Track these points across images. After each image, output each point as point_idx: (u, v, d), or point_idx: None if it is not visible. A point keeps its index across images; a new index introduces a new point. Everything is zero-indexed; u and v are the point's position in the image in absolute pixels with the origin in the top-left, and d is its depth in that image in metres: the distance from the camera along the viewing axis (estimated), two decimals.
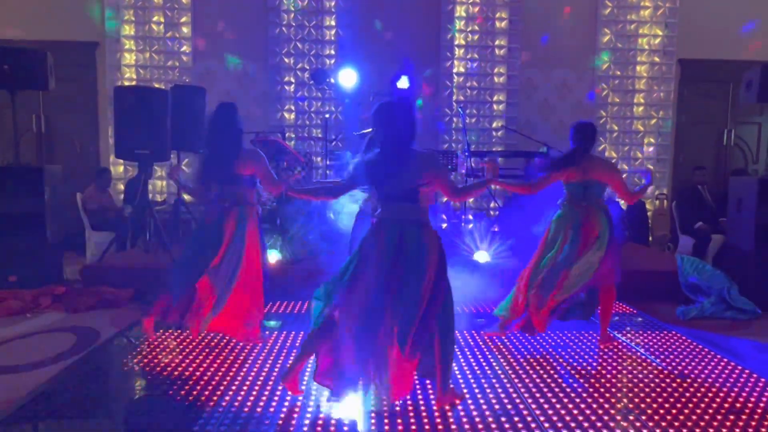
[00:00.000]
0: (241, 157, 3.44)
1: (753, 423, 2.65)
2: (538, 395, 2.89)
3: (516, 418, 2.62)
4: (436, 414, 2.64)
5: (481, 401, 2.79)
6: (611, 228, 3.54)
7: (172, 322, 3.49)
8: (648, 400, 2.87)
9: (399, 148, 2.65)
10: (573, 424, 2.56)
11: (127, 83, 7.32)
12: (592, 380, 3.11)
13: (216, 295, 3.37)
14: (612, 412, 2.71)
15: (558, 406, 2.76)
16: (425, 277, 2.58)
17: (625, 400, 2.87)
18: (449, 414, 2.64)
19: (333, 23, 7.59)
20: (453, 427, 2.52)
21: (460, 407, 2.70)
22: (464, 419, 2.60)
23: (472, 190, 3.31)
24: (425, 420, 2.58)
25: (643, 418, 2.65)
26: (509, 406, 2.74)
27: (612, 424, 2.58)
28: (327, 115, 7.23)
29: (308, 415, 2.61)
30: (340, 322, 2.59)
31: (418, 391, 2.87)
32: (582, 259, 3.46)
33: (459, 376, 3.09)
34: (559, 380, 3.09)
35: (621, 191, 3.66)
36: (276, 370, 3.18)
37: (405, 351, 2.50)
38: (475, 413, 2.65)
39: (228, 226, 3.42)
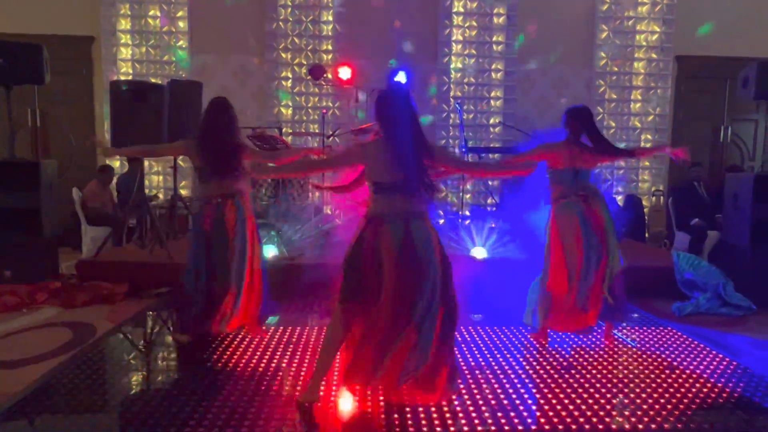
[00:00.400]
0: (239, 150, 3.45)
1: (748, 418, 2.66)
2: (534, 390, 2.90)
3: (512, 413, 2.62)
4: (433, 409, 2.64)
5: (477, 396, 2.79)
6: (610, 212, 3.55)
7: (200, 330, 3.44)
8: (643, 395, 2.88)
9: (403, 136, 2.54)
10: (569, 419, 2.57)
11: (123, 78, 7.28)
12: (588, 375, 3.12)
13: (234, 293, 3.37)
14: (608, 407, 2.72)
15: (554, 401, 2.77)
16: (437, 270, 2.52)
17: (620, 396, 2.88)
18: (445, 409, 2.64)
19: (330, 18, 7.56)
20: (449, 422, 2.53)
21: (456, 402, 2.71)
22: (460, 414, 2.60)
23: (504, 169, 3.27)
24: (422, 415, 2.59)
25: (639, 413, 2.66)
26: (505, 401, 2.75)
27: (608, 419, 2.59)
28: (324, 111, 7.21)
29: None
30: (356, 326, 2.55)
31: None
32: (608, 249, 3.45)
33: None
34: (555, 375, 3.10)
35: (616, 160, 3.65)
36: (273, 365, 3.18)
37: (430, 349, 2.47)
38: (471, 408, 2.66)
39: (228, 219, 3.40)
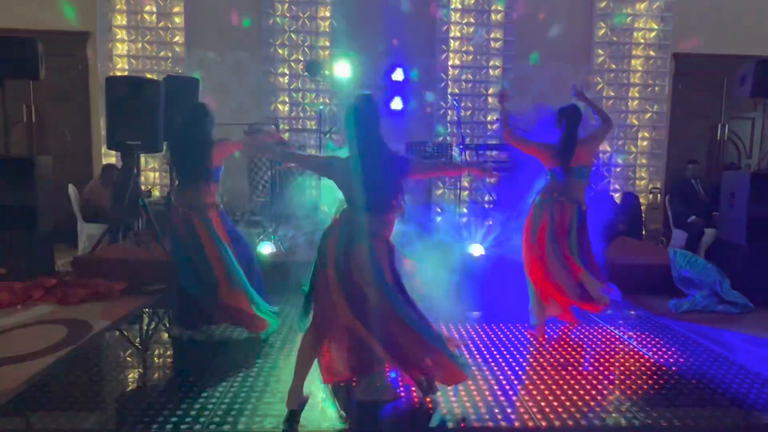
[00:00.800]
0: (214, 149, 3.46)
1: (743, 414, 2.67)
2: (530, 386, 2.90)
3: (508, 409, 2.63)
4: (429, 403, 2.64)
5: (474, 392, 2.79)
6: (582, 225, 3.60)
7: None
8: (640, 391, 2.89)
9: (372, 156, 2.47)
10: (565, 415, 2.58)
11: (119, 73, 7.24)
12: (585, 372, 3.12)
13: (248, 299, 3.44)
14: (604, 403, 2.73)
15: (551, 397, 2.77)
16: (385, 285, 2.49)
17: (617, 392, 2.89)
18: (442, 405, 2.64)
19: (327, 14, 7.53)
20: (446, 417, 2.53)
21: (452, 398, 2.71)
22: (457, 409, 2.60)
23: (464, 167, 3.35)
24: (418, 412, 2.58)
25: (635, 409, 2.67)
26: (502, 398, 2.75)
27: (604, 415, 2.60)
28: (321, 107, 7.19)
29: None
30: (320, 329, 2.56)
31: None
32: (569, 250, 3.57)
33: None
34: (552, 372, 3.11)
35: (605, 135, 3.74)
36: (269, 363, 3.18)
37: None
38: (468, 404, 2.66)
39: (200, 230, 3.43)
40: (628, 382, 3.03)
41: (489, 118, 7.75)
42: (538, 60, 7.67)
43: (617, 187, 7.88)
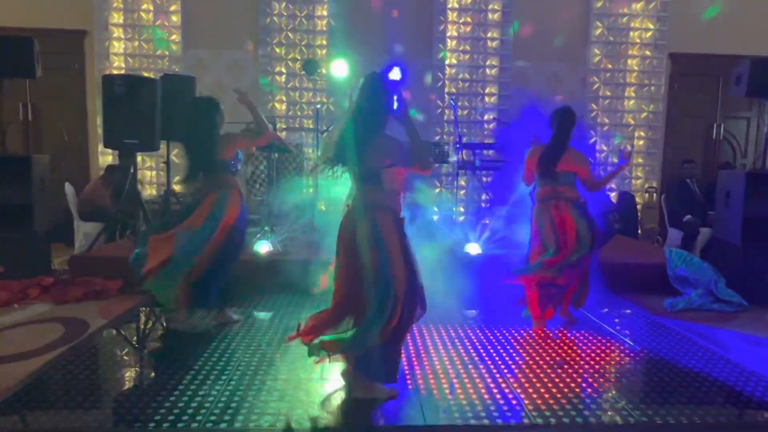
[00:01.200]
0: (221, 143, 3.60)
1: (737, 412, 2.69)
2: (526, 385, 2.92)
3: (505, 407, 2.64)
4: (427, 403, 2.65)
5: (471, 391, 2.81)
6: (591, 227, 3.63)
7: None
8: (635, 389, 2.90)
9: (362, 126, 2.62)
10: (561, 413, 2.59)
11: (115, 72, 7.22)
12: (581, 370, 3.14)
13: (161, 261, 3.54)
14: (599, 401, 2.75)
15: (547, 395, 2.78)
16: (391, 263, 2.56)
17: (613, 390, 2.90)
18: (440, 404, 2.65)
19: (325, 13, 7.53)
20: (442, 415, 2.54)
21: (449, 395, 2.72)
22: (454, 407, 2.62)
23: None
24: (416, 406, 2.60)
25: (631, 407, 2.69)
26: (498, 396, 2.77)
27: (600, 413, 2.61)
28: (318, 106, 7.19)
29: (293, 402, 2.62)
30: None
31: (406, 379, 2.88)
32: (568, 248, 3.64)
33: (449, 365, 3.12)
34: (548, 370, 3.12)
35: (586, 181, 3.73)
36: (266, 361, 3.18)
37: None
38: (464, 402, 2.68)
39: (202, 207, 3.54)
40: (623, 380, 3.04)
41: (486, 117, 7.76)
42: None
43: (613, 186, 7.90)
